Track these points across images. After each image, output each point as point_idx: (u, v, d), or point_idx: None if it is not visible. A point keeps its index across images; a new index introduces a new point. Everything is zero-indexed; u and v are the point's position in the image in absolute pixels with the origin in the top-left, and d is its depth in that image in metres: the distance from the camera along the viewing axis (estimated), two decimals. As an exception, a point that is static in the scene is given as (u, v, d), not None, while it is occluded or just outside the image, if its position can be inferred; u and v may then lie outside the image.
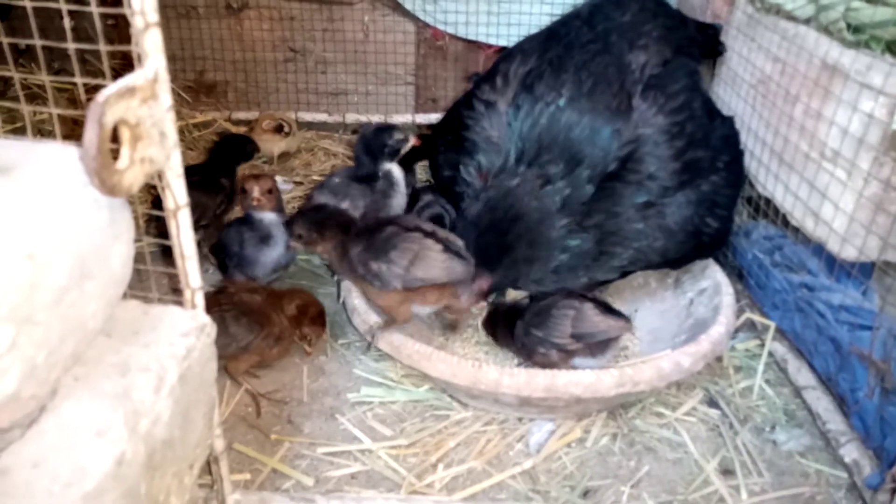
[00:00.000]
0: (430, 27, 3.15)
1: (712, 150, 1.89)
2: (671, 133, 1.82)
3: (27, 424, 0.90)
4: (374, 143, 2.17)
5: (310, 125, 3.27)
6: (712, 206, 1.86)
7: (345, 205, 2.08)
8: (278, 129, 2.96)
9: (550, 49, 1.99)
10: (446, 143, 2.09)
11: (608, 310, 1.73)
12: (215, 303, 1.70)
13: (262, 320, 1.75)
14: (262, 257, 2.02)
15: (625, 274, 1.94)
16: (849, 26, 1.65)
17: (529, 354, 1.75)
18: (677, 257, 1.89)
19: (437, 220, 2.09)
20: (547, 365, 1.71)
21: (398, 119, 3.31)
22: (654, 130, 1.82)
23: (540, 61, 1.97)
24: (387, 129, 2.20)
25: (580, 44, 1.97)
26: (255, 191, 1.94)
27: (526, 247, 1.78)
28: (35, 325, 0.81)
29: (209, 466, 1.31)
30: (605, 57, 1.91)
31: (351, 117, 3.31)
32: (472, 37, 3.11)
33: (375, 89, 3.34)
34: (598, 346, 1.70)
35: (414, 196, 2.26)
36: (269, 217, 2.02)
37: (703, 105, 1.92)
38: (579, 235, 1.80)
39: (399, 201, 2.19)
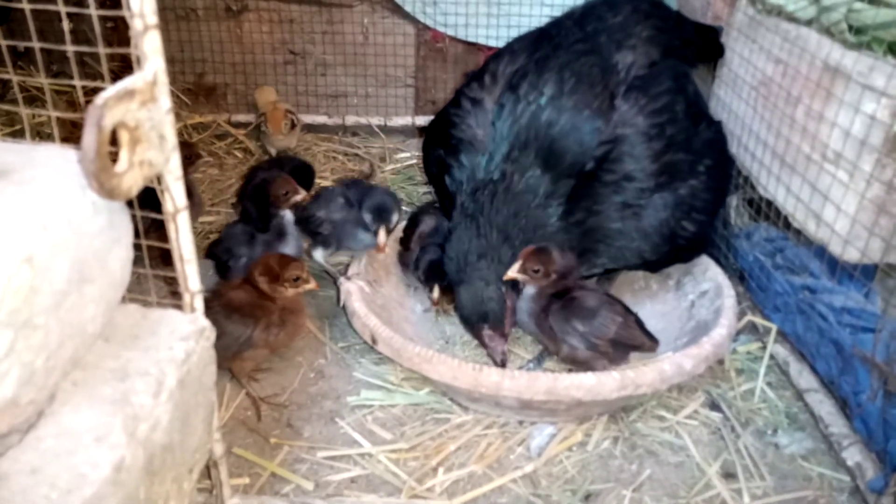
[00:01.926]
0: (429, 29, 3.15)
1: (694, 154, 1.88)
2: (649, 135, 1.82)
3: (25, 430, 0.89)
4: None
5: (309, 127, 3.26)
6: (690, 211, 1.86)
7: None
8: (292, 127, 2.97)
9: (540, 49, 2.00)
10: (435, 139, 2.10)
11: (642, 326, 1.76)
12: (207, 307, 1.68)
13: (255, 312, 1.72)
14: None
15: (607, 270, 1.96)
16: (850, 28, 1.65)
17: (557, 344, 1.74)
18: (653, 260, 1.89)
19: (433, 233, 2.08)
20: (568, 359, 1.74)
21: (398, 121, 3.31)
22: (633, 131, 1.82)
23: (528, 60, 1.97)
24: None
25: (568, 44, 1.98)
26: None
27: (533, 234, 1.81)
28: (34, 329, 0.81)
29: (208, 471, 1.30)
30: (591, 57, 1.92)
31: (351, 119, 3.31)
32: (471, 39, 3.10)
33: (375, 91, 3.34)
34: (618, 356, 1.73)
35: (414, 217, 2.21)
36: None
37: (686, 108, 1.91)
38: (571, 220, 1.84)
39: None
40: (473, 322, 1.81)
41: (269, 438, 1.66)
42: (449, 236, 1.87)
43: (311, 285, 1.78)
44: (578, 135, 1.82)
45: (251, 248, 2.02)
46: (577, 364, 1.75)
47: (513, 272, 1.73)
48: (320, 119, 3.31)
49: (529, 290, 1.76)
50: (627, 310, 1.76)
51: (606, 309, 1.72)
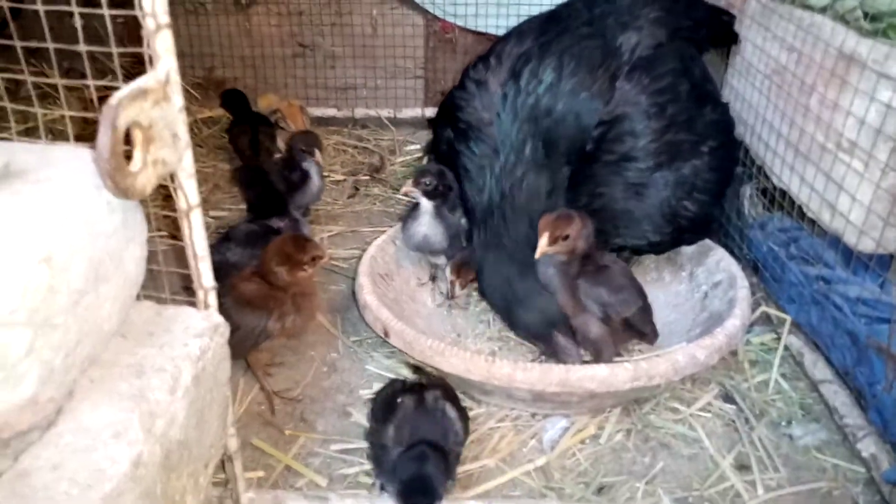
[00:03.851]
0: (438, 20, 3.13)
1: (697, 135, 1.88)
2: (649, 113, 1.83)
3: (45, 427, 0.90)
4: None
5: (319, 120, 3.26)
6: (692, 190, 1.86)
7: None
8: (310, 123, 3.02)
9: (547, 32, 2.00)
10: (444, 120, 2.11)
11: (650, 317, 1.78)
12: (218, 302, 1.66)
13: (268, 303, 1.69)
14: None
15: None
16: (866, 15, 1.62)
17: (574, 307, 1.71)
18: (656, 241, 1.89)
19: (440, 175, 1.99)
20: (579, 329, 1.73)
21: (408, 113, 3.30)
22: (633, 110, 1.83)
23: (534, 43, 1.98)
24: None
25: (574, 27, 1.98)
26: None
27: None
28: (52, 328, 0.82)
29: (223, 464, 1.31)
30: (594, 40, 1.92)
31: (360, 112, 3.30)
32: (481, 29, 3.08)
33: (385, 83, 3.33)
34: (624, 337, 1.75)
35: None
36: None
37: (690, 89, 1.91)
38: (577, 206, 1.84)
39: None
40: (546, 334, 1.80)
41: (283, 431, 1.67)
42: (482, 272, 1.87)
43: (325, 258, 1.78)
44: (576, 117, 1.84)
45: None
46: (585, 339, 1.75)
47: (543, 247, 1.63)
48: (330, 112, 3.31)
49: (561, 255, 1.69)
50: (646, 297, 1.77)
51: (633, 289, 1.73)
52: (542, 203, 1.81)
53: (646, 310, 1.74)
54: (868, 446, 1.54)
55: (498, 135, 1.88)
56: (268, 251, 1.74)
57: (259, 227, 2.08)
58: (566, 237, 1.65)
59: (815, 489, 1.52)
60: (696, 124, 1.89)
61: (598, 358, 1.75)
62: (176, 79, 0.96)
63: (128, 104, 0.87)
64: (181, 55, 0.97)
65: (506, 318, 1.90)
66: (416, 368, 1.69)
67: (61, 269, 0.81)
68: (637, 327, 1.72)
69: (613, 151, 1.83)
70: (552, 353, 1.83)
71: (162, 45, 0.93)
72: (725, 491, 1.51)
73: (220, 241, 2.03)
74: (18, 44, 1.11)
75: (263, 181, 2.23)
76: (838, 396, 1.68)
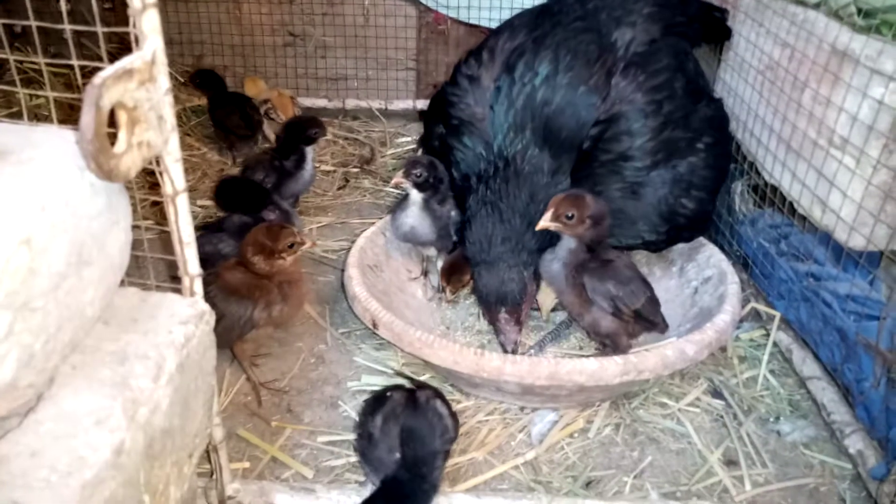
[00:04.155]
0: (431, 11, 3.12)
1: (692, 131, 1.88)
2: (646, 111, 1.82)
3: (25, 413, 0.88)
4: None
5: (309, 111, 3.23)
6: (689, 188, 1.86)
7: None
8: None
9: (539, 26, 1.99)
10: (435, 116, 2.10)
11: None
12: (204, 291, 1.63)
13: (254, 292, 1.67)
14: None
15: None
16: (859, 11, 1.62)
17: (581, 305, 1.71)
18: (652, 240, 1.89)
19: (431, 166, 1.96)
20: (591, 327, 1.74)
21: (399, 105, 3.27)
22: (630, 108, 1.83)
23: (527, 38, 1.96)
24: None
25: (567, 21, 1.97)
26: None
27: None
28: (32, 311, 0.79)
29: (208, 455, 1.30)
30: (588, 35, 1.91)
31: (351, 103, 3.28)
32: (473, 21, 3.07)
33: (376, 74, 3.31)
34: (636, 330, 1.75)
35: None
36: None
37: (685, 85, 1.91)
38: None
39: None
40: (491, 303, 1.79)
41: (269, 422, 1.65)
42: (469, 224, 1.86)
43: (307, 245, 1.74)
44: (574, 110, 1.83)
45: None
46: (597, 335, 1.75)
47: (545, 221, 1.65)
48: (320, 102, 3.29)
49: (569, 242, 1.70)
50: (652, 289, 1.78)
51: (639, 281, 1.74)
52: (545, 178, 1.81)
53: (654, 300, 1.74)
54: (855, 443, 1.54)
55: (492, 126, 1.87)
56: (245, 241, 1.72)
57: (252, 218, 2.05)
58: (570, 216, 1.64)
59: (802, 485, 1.52)
60: (691, 121, 1.88)
61: (614, 352, 1.74)
62: (162, 59, 0.93)
63: (112, 84, 0.84)
64: (169, 43, 0.95)
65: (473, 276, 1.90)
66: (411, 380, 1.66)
67: (42, 252, 0.79)
68: (647, 318, 1.72)
69: (610, 151, 1.82)
70: (492, 327, 1.85)
71: (148, 25, 0.91)
72: (713, 486, 1.51)
73: (213, 232, 2.00)
74: (1, 21, 1.09)
75: (245, 189, 2.17)
76: (826, 393, 1.68)
